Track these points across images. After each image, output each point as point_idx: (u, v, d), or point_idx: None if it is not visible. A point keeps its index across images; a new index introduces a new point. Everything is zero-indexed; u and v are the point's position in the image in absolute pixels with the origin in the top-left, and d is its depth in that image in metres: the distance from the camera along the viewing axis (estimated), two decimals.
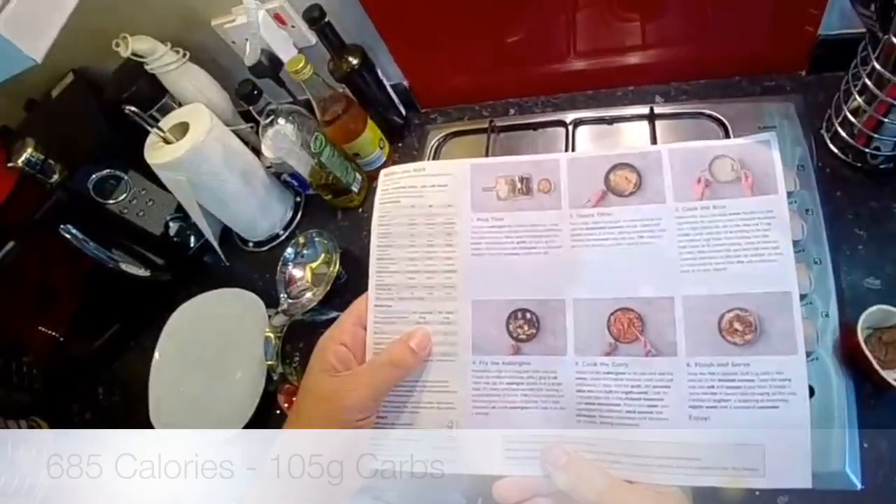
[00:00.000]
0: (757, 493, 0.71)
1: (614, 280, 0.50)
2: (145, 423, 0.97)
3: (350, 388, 0.48)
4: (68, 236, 0.94)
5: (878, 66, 0.73)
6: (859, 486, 0.68)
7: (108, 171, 0.98)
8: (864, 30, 0.76)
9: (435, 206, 0.54)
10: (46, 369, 1.06)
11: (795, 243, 0.80)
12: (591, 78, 1.04)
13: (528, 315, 0.51)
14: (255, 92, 0.89)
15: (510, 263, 0.52)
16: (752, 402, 0.46)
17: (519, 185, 0.54)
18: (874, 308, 0.71)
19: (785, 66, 0.95)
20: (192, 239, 1.14)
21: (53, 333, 1.06)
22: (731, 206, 0.49)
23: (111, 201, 1.00)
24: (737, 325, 0.47)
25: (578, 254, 0.51)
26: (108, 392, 1.10)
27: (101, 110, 1.04)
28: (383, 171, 0.57)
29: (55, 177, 0.95)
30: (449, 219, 0.54)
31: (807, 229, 0.79)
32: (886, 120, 0.77)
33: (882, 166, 0.83)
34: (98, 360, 1.11)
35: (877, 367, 0.68)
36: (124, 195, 1.01)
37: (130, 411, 1.03)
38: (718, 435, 0.46)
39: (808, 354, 0.72)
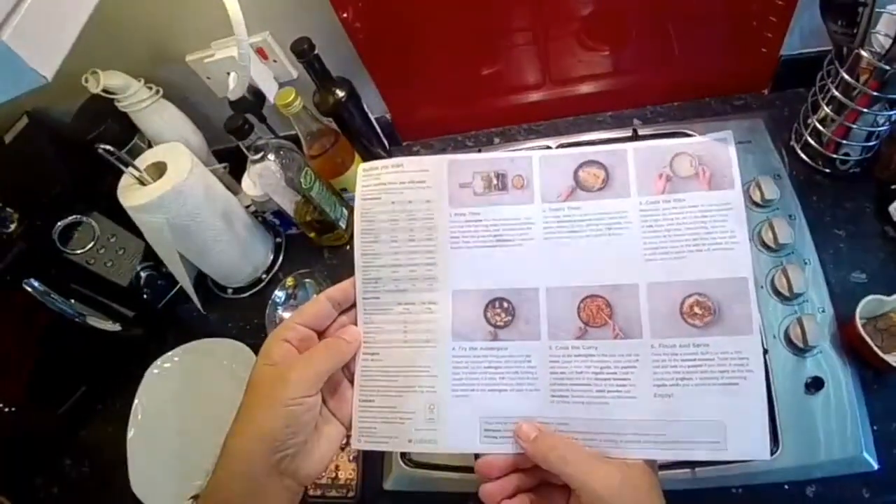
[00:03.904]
0: (786, 486, 0.73)
1: (584, 269, 0.54)
2: (122, 493, 0.88)
3: (291, 370, 0.50)
4: (30, 289, 0.85)
5: (846, 77, 0.81)
6: (876, 466, 0.72)
7: (73, 217, 0.90)
8: (821, 49, 0.85)
9: (415, 202, 0.57)
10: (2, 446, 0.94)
11: (786, 246, 0.86)
12: (570, 105, 1.09)
13: (505, 303, 0.55)
14: (246, 126, 0.85)
15: (487, 255, 0.56)
16: (713, 380, 0.50)
17: (494, 181, 0.57)
18: (869, 298, 0.76)
19: (750, 86, 1.03)
20: (165, 288, 1.06)
21: (7, 409, 0.93)
22: (689, 199, 0.53)
23: (78, 251, 0.92)
24: (696, 309, 0.51)
25: (550, 245, 0.55)
26: (76, 463, 0.99)
27: (62, 153, 0.96)
28: (362, 166, 0.59)
29: (13, 226, 0.86)
30: (428, 214, 0.57)
31: (794, 234, 0.85)
32: (854, 126, 0.84)
33: (852, 171, 0.91)
34: (62, 428, 1.00)
35: (879, 353, 0.73)
36: (91, 243, 0.93)
37: (105, 481, 0.94)
38: (682, 411, 0.50)
39: (812, 348, 0.77)
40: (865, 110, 0.82)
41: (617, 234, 0.54)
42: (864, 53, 0.78)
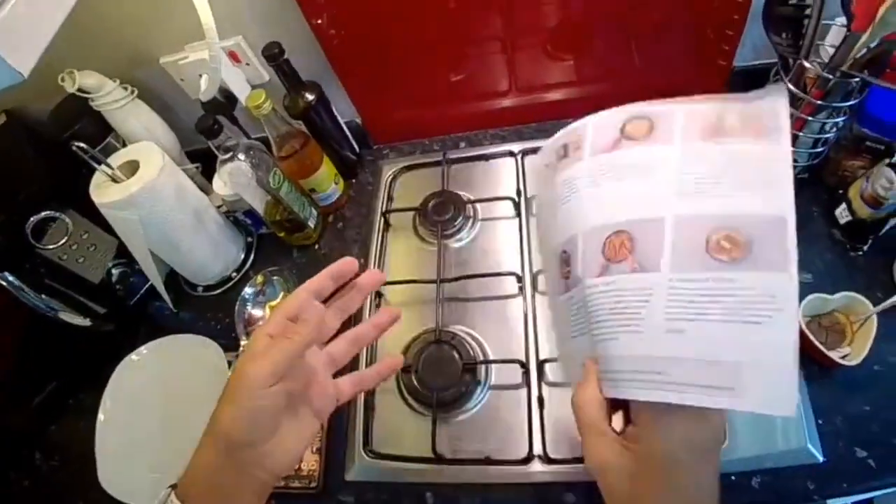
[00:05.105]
0: (732, 476, 0.75)
1: (614, 208, 0.53)
2: (93, 487, 0.88)
3: (248, 363, 0.49)
4: (4, 283, 0.87)
5: (791, 87, 0.84)
6: (821, 458, 0.74)
7: (46, 213, 0.92)
8: (771, 60, 0.88)
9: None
10: None
11: None
12: (534, 111, 1.12)
13: (564, 254, 0.56)
14: (216, 126, 0.87)
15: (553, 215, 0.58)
16: (733, 316, 0.45)
17: (561, 153, 0.60)
18: (812, 297, 0.79)
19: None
20: (136, 286, 1.07)
21: None
22: (734, 145, 0.50)
23: (51, 246, 0.93)
24: (724, 243, 0.47)
25: (591, 193, 0.55)
26: (46, 457, 0.99)
27: (38, 151, 0.98)
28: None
29: None
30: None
31: None
32: (801, 134, 0.88)
33: (799, 176, 0.94)
34: (34, 422, 1.01)
35: (822, 349, 0.76)
36: (64, 239, 0.95)
37: (74, 475, 0.94)
38: (692, 349, 0.46)
39: None
40: (810, 118, 0.85)
41: (651, 176, 0.52)
42: (807, 64, 0.81)
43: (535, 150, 1.06)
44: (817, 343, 0.76)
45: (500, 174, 1.07)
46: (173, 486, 0.51)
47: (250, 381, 0.48)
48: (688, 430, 0.48)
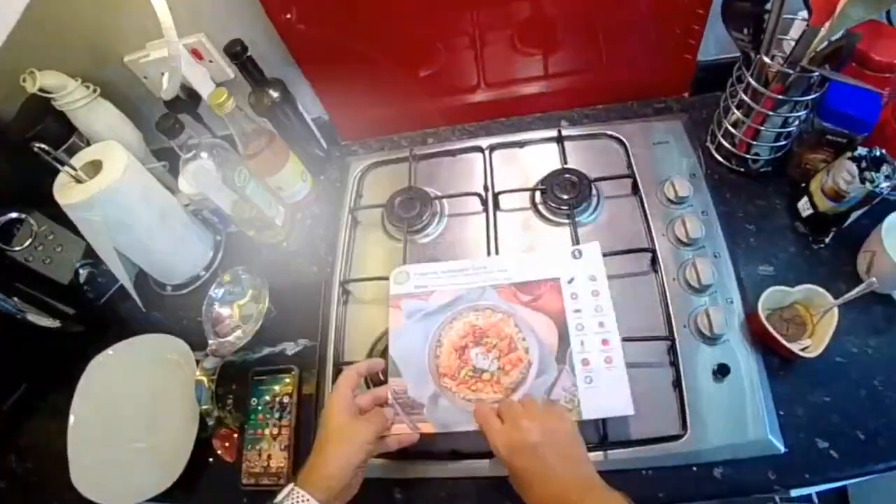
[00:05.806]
0: (694, 468, 0.76)
1: None
2: (67, 489, 0.89)
3: (362, 423, 0.72)
4: None
5: (752, 82, 0.85)
6: (783, 449, 0.75)
7: (10, 215, 0.92)
8: (736, 54, 0.89)
9: None
10: None
11: (697, 240, 0.90)
12: (502, 107, 1.12)
13: None
14: (177, 125, 0.87)
15: None
16: None
17: None
18: (771, 290, 0.80)
19: (670, 89, 1.08)
20: (105, 286, 1.07)
21: None
22: None
23: (16, 248, 0.93)
24: None
25: None
26: (20, 459, 0.99)
27: (3, 152, 0.97)
28: None
29: None
30: None
31: (704, 229, 0.89)
32: (763, 128, 0.89)
33: (762, 170, 0.95)
34: (5, 425, 1.01)
35: (782, 341, 0.76)
36: (29, 241, 0.94)
37: (49, 476, 0.95)
38: None
39: (720, 336, 0.81)
40: (771, 113, 0.86)
41: None
42: (766, 59, 0.82)
43: (502, 146, 1.08)
44: (777, 335, 0.77)
45: (467, 170, 1.07)
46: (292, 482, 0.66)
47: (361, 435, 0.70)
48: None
